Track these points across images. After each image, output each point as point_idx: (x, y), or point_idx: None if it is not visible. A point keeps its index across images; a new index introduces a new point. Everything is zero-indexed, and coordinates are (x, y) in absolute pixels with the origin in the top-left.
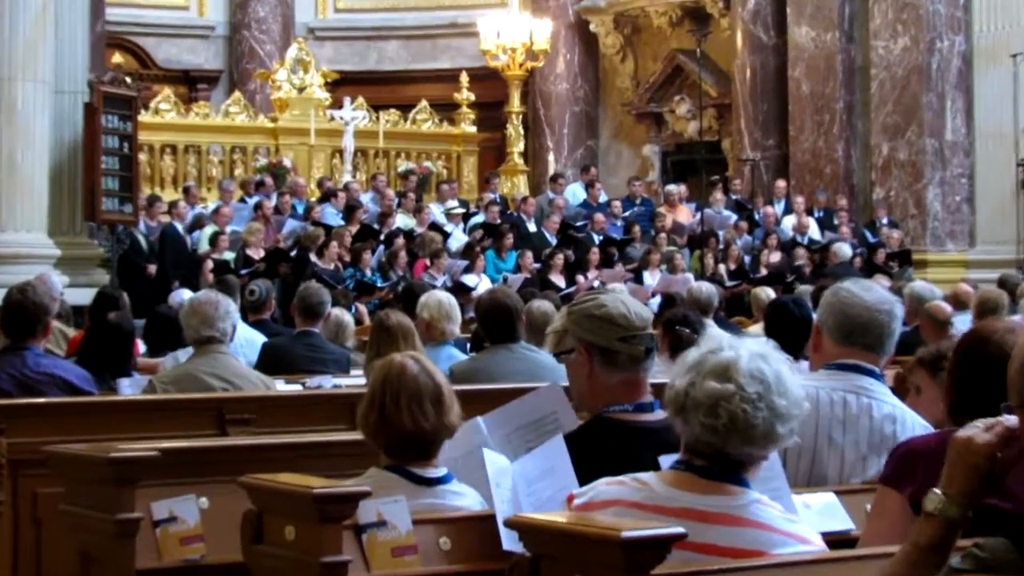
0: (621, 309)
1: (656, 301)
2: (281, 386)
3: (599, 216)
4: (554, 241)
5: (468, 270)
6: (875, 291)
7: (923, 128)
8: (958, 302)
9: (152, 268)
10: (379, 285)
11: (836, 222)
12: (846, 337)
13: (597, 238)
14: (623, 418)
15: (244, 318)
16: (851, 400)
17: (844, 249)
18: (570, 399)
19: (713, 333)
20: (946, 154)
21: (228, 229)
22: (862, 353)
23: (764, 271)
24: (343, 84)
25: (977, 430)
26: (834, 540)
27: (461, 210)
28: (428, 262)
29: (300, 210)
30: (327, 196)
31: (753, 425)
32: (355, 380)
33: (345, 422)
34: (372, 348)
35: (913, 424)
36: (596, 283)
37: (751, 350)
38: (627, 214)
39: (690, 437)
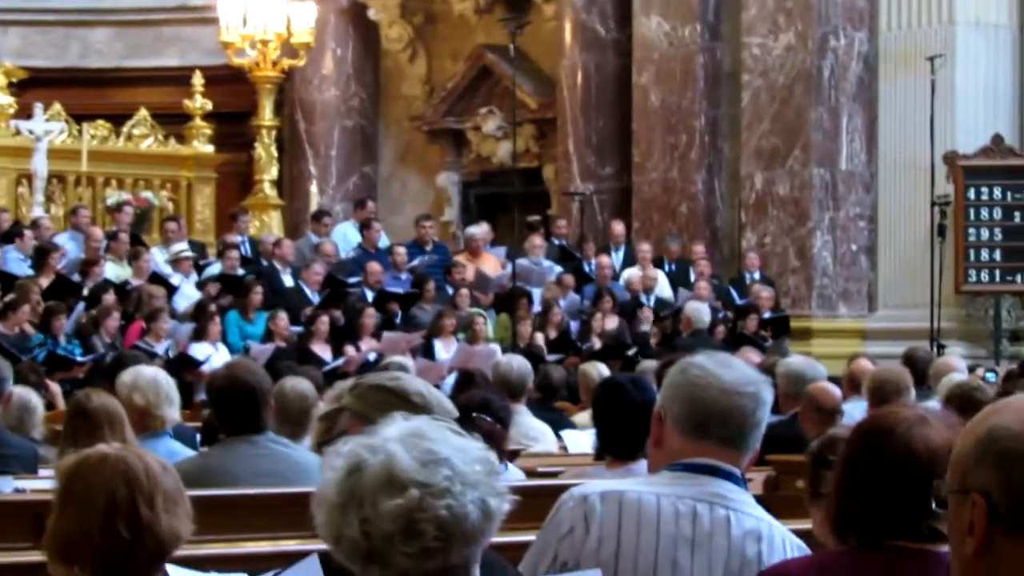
0: (419, 386)
1: (452, 381)
2: None
3: (375, 266)
4: (316, 299)
5: (199, 336)
6: (736, 368)
7: (810, 154)
8: (852, 384)
9: None
10: (78, 358)
11: (692, 277)
12: (697, 428)
13: (373, 296)
14: None
15: None
16: (703, 512)
17: (701, 313)
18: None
19: (524, 423)
20: (840, 189)
21: None
22: (717, 450)
23: (596, 341)
24: (33, 85)
25: None
26: None
27: (192, 256)
28: (145, 326)
29: None
30: (9, 236)
31: (466, 515)
32: (43, 483)
33: (29, 539)
34: (67, 440)
35: (784, 543)
36: (371, 356)
37: (397, 435)
38: (415, 263)
39: None
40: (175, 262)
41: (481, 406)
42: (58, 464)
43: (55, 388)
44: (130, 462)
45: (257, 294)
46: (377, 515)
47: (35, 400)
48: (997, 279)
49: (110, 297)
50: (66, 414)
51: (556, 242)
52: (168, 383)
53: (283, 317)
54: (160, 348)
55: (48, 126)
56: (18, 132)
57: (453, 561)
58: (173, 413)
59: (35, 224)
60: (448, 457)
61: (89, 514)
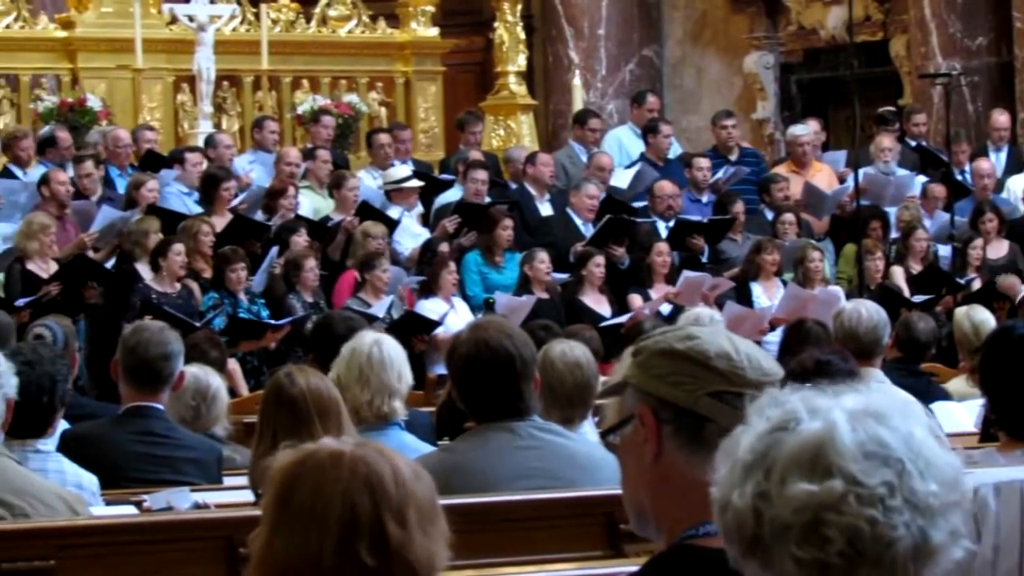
0: (724, 344)
1: (776, 337)
2: (99, 509)
3: (667, 185)
4: (588, 232)
5: (429, 290)
6: None
7: None
8: None
9: None
10: (270, 321)
11: None
12: None
13: (666, 226)
14: (717, 547)
15: None
16: None
17: None
18: None
19: (877, 387)
20: None
21: None
22: None
23: (975, 276)
24: None
25: None
26: None
27: (416, 182)
28: (358, 276)
29: (121, 187)
30: (170, 160)
31: (892, 542)
32: (232, 494)
33: (216, 569)
34: (264, 436)
35: None
36: (664, 308)
37: (849, 407)
38: (719, 177)
39: None
40: (393, 191)
41: (816, 371)
42: (261, 464)
43: (233, 367)
44: (372, 464)
45: (505, 229)
46: (780, 495)
47: (216, 383)
48: None
49: (302, 239)
50: (263, 401)
51: (913, 143)
52: (395, 355)
53: (543, 259)
54: (379, 307)
55: (214, 9)
56: (174, 20)
57: None
58: (403, 395)
59: (210, 143)
60: (902, 459)
61: (318, 532)
